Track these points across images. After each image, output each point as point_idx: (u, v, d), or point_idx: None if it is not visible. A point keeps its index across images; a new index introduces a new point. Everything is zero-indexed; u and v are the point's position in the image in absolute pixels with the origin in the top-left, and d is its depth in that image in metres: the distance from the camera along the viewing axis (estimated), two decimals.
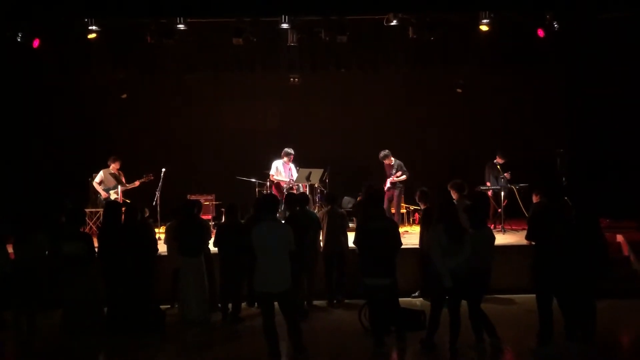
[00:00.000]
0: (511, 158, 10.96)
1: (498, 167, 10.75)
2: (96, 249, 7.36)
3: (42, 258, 7.20)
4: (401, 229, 10.38)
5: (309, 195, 9.99)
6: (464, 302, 6.31)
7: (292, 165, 10.90)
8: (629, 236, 9.40)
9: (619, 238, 9.40)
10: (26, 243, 7.14)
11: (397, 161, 10.75)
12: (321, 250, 8.37)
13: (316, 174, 10.61)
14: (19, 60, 10.85)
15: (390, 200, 10.63)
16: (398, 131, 12.55)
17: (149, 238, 7.73)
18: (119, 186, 10.48)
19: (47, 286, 7.29)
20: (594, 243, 6.46)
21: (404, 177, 10.66)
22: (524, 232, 7.00)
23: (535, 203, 8.16)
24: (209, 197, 11.43)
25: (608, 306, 7.15)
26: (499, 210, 10.56)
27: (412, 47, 10.99)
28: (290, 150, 10.82)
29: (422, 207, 8.44)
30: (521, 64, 11.62)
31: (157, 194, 10.54)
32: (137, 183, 10.64)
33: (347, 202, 11.57)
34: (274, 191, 10.69)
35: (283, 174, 10.82)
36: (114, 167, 10.57)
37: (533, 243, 6.65)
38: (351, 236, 8.41)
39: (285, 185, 10.75)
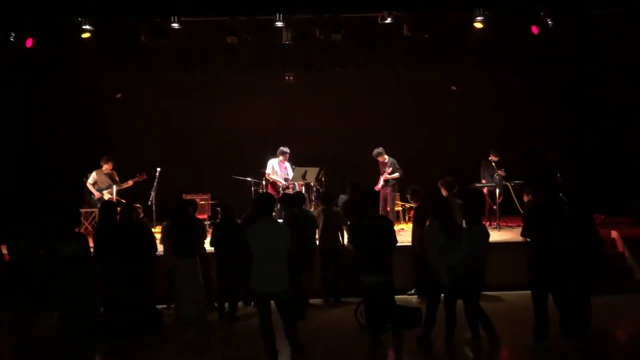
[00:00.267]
0: (506, 155, 10.99)
1: (493, 164, 10.78)
2: (92, 249, 7.35)
3: (37, 259, 7.18)
4: (396, 227, 10.41)
5: (305, 194, 9.99)
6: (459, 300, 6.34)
7: (287, 164, 10.90)
8: (624, 232, 9.45)
9: (614, 234, 9.45)
10: (21, 244, 7.12)
11: (391, 159, 10.77)
12: (317, 249, 8.37)
13: (312, 172, 10.62)
14: (12, 60, 10.80)
15: (385, 199, 10.64)
16: (393, 129, 12.56)
17: (146, 237, 7.71)
18: (114, 186, 10.46)
19: (44, 287, 7.27)
20: (588, 239, 6.49)
21: (396, 174, 10.68)
22: (519, 229, 7.03)
23: (530, 200, 8.20)
24: (205, 197, 11.43)
25: (603, 302, 7.18)
26: (494, 207, 10.60)
27: (407, 45, 11.00)
28: (286, 149, 10.83)
29: (414, 205, 8.45)
30: (515, 61, 11.66)
31: (152, 193, 10.52)
32: (130, 183, 10.63)
33: (342, 200, 11.59)
34: (270, 190, 10.69)
35: (279, 172, 10.81)
36: (106, 167, 10.55)
37: (528, 240, 6.68)
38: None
39: (281, 184, 10.75)
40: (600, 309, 6.86)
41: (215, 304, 7.86)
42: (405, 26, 10.38)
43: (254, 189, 11.08)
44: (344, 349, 6.55)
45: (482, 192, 10.94)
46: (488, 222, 10.42)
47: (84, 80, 12.00)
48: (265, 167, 10.88)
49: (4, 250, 7.36)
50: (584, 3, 9.95)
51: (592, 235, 6.57)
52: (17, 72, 11.27)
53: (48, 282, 7.26)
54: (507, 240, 9.27)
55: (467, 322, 6.46)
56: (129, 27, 10.52)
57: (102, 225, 7.63)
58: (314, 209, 9.68)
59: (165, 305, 8.00)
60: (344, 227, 8.52)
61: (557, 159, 11.24)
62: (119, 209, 7.95)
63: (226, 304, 7.70)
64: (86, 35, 10.16)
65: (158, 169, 10.65)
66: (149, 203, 10.37)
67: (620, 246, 9.21)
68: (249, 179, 11.12)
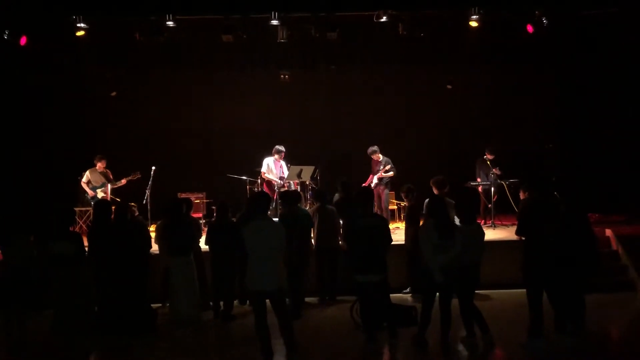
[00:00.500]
0: (501, 154, 11.02)
1: (488, 163, 10.80)
2: (86, 248, 7.32)
3: (30, 259, 7.14)
4: (391, 226, 10.44)
5: (300, 193, 9.98)
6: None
7: (283, 163, 10.89)
8: (618, 230, 9.48)
9: (608, 232, 9.48)
10: (14, 244, 7.08)
11: (385, 158, 10.77)
12: (313, 247, 8.37)
13: (307, 171, 10.61)
14: (5, 58, 10.75)
15: (379, 197, 10.65)
16: (388, 128, 12.58)
17: (140, 236, 7.69)
18: (108, 185, 10.44)
19: (37, 287, 7.24)
20: (583, 237, 6.51)
21: (391, 173, 10.69)
22: (514, 228, 7.04)
23: (525, 198, 8.21)
24: (200, 195, 11.43)
25: (597, 300, 7.21)
26: (489, 205, 10.63)
27: (402, 43, 11.01)
28: (281, 148, 10.82)
29: (408, 204, 8.45)
30: (510, 60, 11.69)
31: (147, 192, 10.50)
32: (123, 181, 10.60)
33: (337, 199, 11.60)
34: (265, 189, 10.68)
35: (274, 171, 10.81)
36: (100, 165, 10.53)
37: (523, 238, 6.69)
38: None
39: (276, 183, 10.75)
40: (595, 307, 6.89)
41: (211, 303, 7.85)
42: (400, 25, 10.39)
43: (249, 188, 11.07)
44: (339, 347, 6.54)
45: (477, 190, 10.95)
46: (483, 221, 10.45)
47: (78, 79, 11.98)
48: (260, 165, 10.87)
49: None
50: (579, 3, 9.98)
51: (587, 234, 6.58)
52: (10, 70, 11.22)
53: (42, 282, 7.23)
54: (502, 239, 9.29)
55: (462, 320, 6.47)
56: (124, 25, 10.49)
57: (96, 224, 7.61)
58: (309, 208, 9.67)
59: (160, 305, 7.98)
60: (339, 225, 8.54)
61: (552, 157, 11.28)
62: (113, 207, 7.92)
63: (221, 303, 7.69)
64: (81, 33, 10.13)
65: (153, 168, 10.63)
66: (144, 202, 10.35)
67: (614, 244, 9.24)
68: (244, 177, 11.11)
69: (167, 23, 10.11)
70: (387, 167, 10.63)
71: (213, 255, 7.74)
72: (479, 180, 10.99)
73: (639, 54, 10.84)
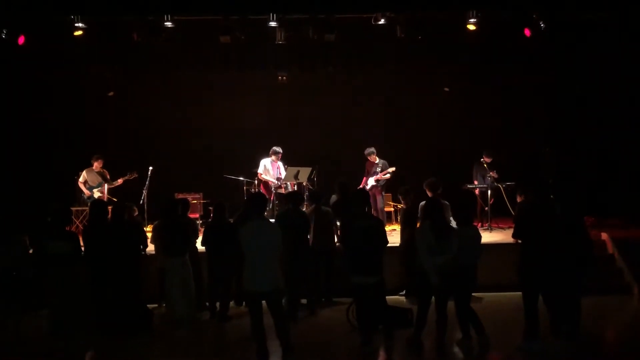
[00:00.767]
0: (498, 157, 11.04)
1: (485, 165, 10.82)
2: (82, 248, 7.31)
3: (26, 258, 7.12)
4: (388, 228, 10.44)
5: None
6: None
7: (280, 164, 10.90)
8: (614, 234, 9.51)
9: (604, 236, 9.50)
10: (9, 244, 7.06)
11: (382, 160, 10.79)
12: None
13: (304, 172, 10.62)
14: (3, 58, 10.73)
15: (374, 199, 10.65)
16: (386, 129, 12.60)
17: (136, 236, 7.69)
18: (105, 184, 10.43)
19: (33, 286, 7.22)
20: (579, 241, 6.52)
21: (388, 175, 10.70)
22: (511, 230, 7.04)
23: (522, 201, 8.23)
24: (197, 196, 11.42)
25: (593, 303, 7.23)
26: (486, 208, 10.65)
27: (400, 46, 11.03)
28: (279, 149, 10.82)
29: (405, 205, 8.46)
30: (508, 62, 11.72)
31: (144, 192, 10.50)
32: (120, 181, 10.60)
33: (335, 200, 11.59)
34: (262, 190, 10.69)
35: (271, 172, 10.81)
36: (97, 165, 10.52)
37: (519, 241, 6.71)
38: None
39: (273, 184, 10.75)
40: (590, 310, 6.92)
41: (207, 304, 7.84)
42: (398, 27, 10.40)
43: (246, 189, 11.07)
44: (335, 349, 6.55)
45: (474, 193, 10.97)
46: (480, 224, 10.46)
47: (76, 78, 11.95)
48: (257, 166, 10.87)
49: None
50: (576, 6, 10.02)
51: (583, 237, 6.60)
52: (8, 69, 11.19)
53: (37, 282, 7.21)
54: (498, 242, 9.31)
55: (458, 322, 6.48)
56: (121, 25, 10.48)
57: (92, 224, 7.60)
58: (305, 209, 9.67)
59: (156, 305, 7.97)
60: (335, 227, 8.54)
61: (549, 160, 11.29)
62: (109, 207, 7.91)
63: (217, 304, 7.69)
64: (79, 33, 10.12)
65: (150, 168, 10.62)
66: (141, 202, 10.34)
67: (610, 248, 9.27)
68: (241, 178, 11.11)
69: (165, 23, 10.11)
70: (390, 170, 10.61)
71: (209, 255, 7.74)
72: (475, 182, 11.00)
73: (636, 57, 10.89)
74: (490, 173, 10.69)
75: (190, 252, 7.66)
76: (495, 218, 10.74)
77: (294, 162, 10.94)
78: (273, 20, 10.16)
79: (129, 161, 11.16)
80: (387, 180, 10.76)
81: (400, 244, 8.34)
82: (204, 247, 7.82)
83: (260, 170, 10.82)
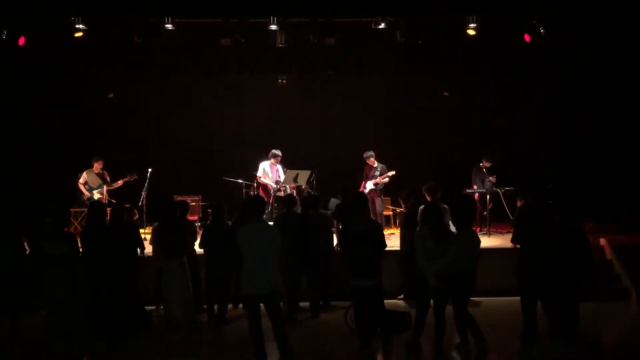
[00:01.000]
0: (497, 161, 11.05)
1: (484, 170, 10.83)
2: (80, 249, 7.30)
3: (23, 259, 7.12)
4: (387, 231, 10.45)
5: (297, 197, 9.98)
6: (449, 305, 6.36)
7: (279, 167, 10.90)
8: (612, 239, 9.51)
9: (602, 241, 9.51)
10: (6, 244, 7.05)
11: (381, 164, 10.80)
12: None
13: (303, 175, 10.62)
14: (3, 58, 10.74)
15: (373, 202, 10.65)
16: (385, 133, 12.61)
17: (134, 238, 7.69)
18: (104, 186, 10.42)
19: (31, 287, 7.21)
20: (577, 246, 6.53)
21: (386, 179, 10.72)
22: (509, 235, 7.07)
23: (521, 206, 8.24)
24: (196, 198, 11.42)
25: (591, 308, 7.23)
26: (485, 213, 10.65)
27: (400, 50, 11.05)
28: (278, 152, 10.82)
29: (404, 209, 8.46)
30: (507, 67, 11.75)
31: (143, 194, 10.49)
32: (120, 182, 10.59)
33: (334, 203, 11.58)
34: (261, 193, 10.69)
35: (270, 175, 10.81)
36: (97, 166, 10.52)
37: (518, 246, 6.71)
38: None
39: (272, 187, 10.75)
40: (589, 315, 6.92)
41: (205, 306, 7.83)
42: (398, 32, 10.43)
43: (245, 192, 11.07)
44: (333, 352, 6.54)
45: (473, 197, 10.98)
46: (478, 228, 10.46)
47: (76, 79, 11.97)
48: (256, 169, 10.88)
49: None
50: (575, 12, 10.05)
51: (581, 242, 6.61)
52: (8, 70, 11.20)
53: (35, 282, 7.20)
54: (497, 247, 9.31)
55: (456, 326, 6.48)
56: (122, 27, 10.49)
57: (90, 226, 7.59)
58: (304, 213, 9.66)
59: (154, 307, 7.96)
60: (335, 230, 8.54)
61: (548, 165, 11.31)
62: (108, 209, 7.91)
63: (215, 306, 7.68)
64: (79, 34, 10.13)
65: (149, 170, 10.62)
66: (140, 203, 10.33)
67: (608, 253, 9.27)
68: (240, 181, 11.11)
69: (166, 26, 10.13)
70: (390, 173, 10.62)
71: (207, 257, 7.74)
72: (474, 187, 11.01)
73: (636, 62, 10.92)
74: (490, 178, 10.71)
75: (188, 254, 7.65)
76: (494, 223, 10.74)
77: (293, 164, 10.95)
78: (273, 24, 10.18)
79: (128, 163, 11.15)
80: (386, 183, 10.77)
81: (401, 248, 8.33)
82: (202, 249, 7.82)
83: (259, 173, 10.83)
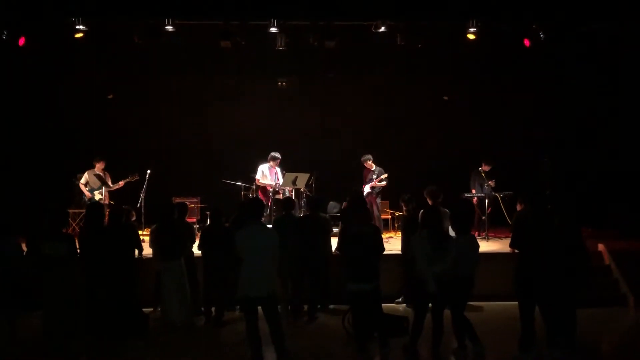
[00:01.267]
0: (496, 166, 11.05)
1: (483, 174, 10.83)
2: (78, 250, 7.29)
3: (21, 260, 7.09)
4: (385, 235, 10.45)
5: (295, 200, 9.98)
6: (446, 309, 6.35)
7: (278, 170, 10.90)
8: (610, 245, 9.51)
9: (600, 247, 9.51)
10: (4, 245, 7.03)
11: (378, 168, 10.80)
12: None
13: (302, 178, 10.62)
14: (3, 59, 10.73)
15: (370, 206, 10.63)
16: (384, 137, 12.61)
17: (133, 239, 7.67)
18: (104, 187, 10.41)
19: (28, 288, 7.19)
20: (576, 251, 6.53)
21: (384, 183, 10.72)
22: (508, 240, 7.05)
23: (519, 211, 8.24)
24: (194, 200, 11.40)
25: (589, 314, 7.23)
26: (483, 217, 10.64)
27: (400, 54, 11.06)
28: (277, 155, 10.82)
29: (405, 213, 8.46)
30: (507, 72, 11.76)
31: (142, 195, 10.48)
32: (121, 183, 10.58)
33: (333, 206, 11.61)
34: (260, 195, 10.68)
35: (269, 178, 10.80)
36: (98, 167, 10.51)
37: (516, 251, 6.71)
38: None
39: (271, 189, 10.74)
40: (586, 321, 6.90)
41: (202, 308, 7.82)
42: (398, 35, 10.44)
43: (244, 194, 11.06)
44: (330, 355, 6.54)
45: (472, 202, 10.97)
46: (477, 233, 10.46)
47: (76, 80, 11.95)
48: (255, 172, 10.87)
49: None
50: (575, 18, 10.08)
51: (579, 248, 6.61)
52: (7, 71, 11.20)
53: (32, 283, 7.18)
54: (496, 251, 9.31)
55: (453, 331, 6.47)
56: (122, 28, 10.49)
57: (87, 227, 7.58)
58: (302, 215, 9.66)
59: (152, 309, 7.95)
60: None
61: (547, 171, 11.31)
62: (107, 210, 7.89)
63: (213, 308, 7.67)
64: (79, 35, 10.13)
65: (148, 171, 10.61)
66: (138, 205, 10.33)
67: (606, 259, 9.27)
68: (239, 183, 11.11)
69: (166, 27, 10.13)
70: (383, 177, 10.64)
71: (205, 260, 7.73)
72: (473, 191, 11.01)
73: (635, 68, 10.94)
74: (489, 182, 10.70)
75: (186, 256, 7.64)
76: (493, 227, 10.74)
77: (293, 167, 10.95)
78: (274, 26, 10.20)
79: (127, 164, 11.13)
80: (384, 187, 10.77)
81: (402, 251, 8.32)
82: (200, 252, 7.81)
83: (257, 176, 10.82)
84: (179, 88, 12.60)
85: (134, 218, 8.69)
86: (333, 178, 11.67)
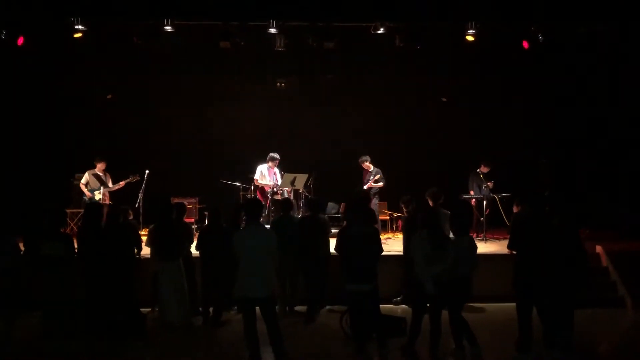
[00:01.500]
0: (495, 167, 11.06)
1: (481, 176, 10.84)
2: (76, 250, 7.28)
3: (19, 259, 7.09)
4: (384, 236, 10.44)
5: (294, 201, 9.99)
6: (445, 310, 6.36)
7: (277, 170, 10.90)
8: (608, 246, 9.52)
9: (598, 248, 9.52)
10: (2, 245, 7.03)
11: (376, 168, 10.80)
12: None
13: (301, 179, 10.62)
14: (1, 58, 10.72)
15: None
16: (383, 138, 12.61)
17: (131, 240, 7.67)
18: (102, 187, 10.41)
19: (26, 287, 7.19)
20: (574, 253, 6.53)
21: (380, 184, 10.72)
22: (506, 241, 7.07)
23: (517, 212, 8.24)
24: (193, 200, 11.39)
25: (586, 315, 7.25)
26: (482, 219, 10.64)
27: (399, 55, 11.07)
28: (276, 155, 10.82)
29: (406, 214, 8.47)
30: (506, 74, 11.77)
31: (140, 195, 10.48)
32: (122, 184, 10.58)
33: (331, 207, 11.61)
34: (258, 196, 10.68)
35: (267, 178, 10.81)
36: (99, 167, 10.50)
37: (514, 252, 6.72)
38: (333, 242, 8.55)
39: (269, 190, 10.75)
40: (584, 322, 6.92)
41: (200, 309, 7.82)
42: (397, 36, 10.45)
43: (243, 194, 11.06)
44: (328, 356, 6.54)
45: (470, 203, 10.99)
46: (475, 234, 10.46)
47: (74, 80, 11.95)
48: (254, 172, 10.87)
49: None
50: (575, 19, 10.09)
51: (578, 249, 6.61)
52: (6, 70, 11.19)
53: (31, 283, 7.18)
54: (494, 252, 9.31)
55: (451, 332, 6.48)
56: (122, 28, 10.49)
57: (86, 227, 7.58)
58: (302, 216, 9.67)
59: (149, 309, 7.95)
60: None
61: (545, 172, 11.32)
62: (106, 210, 7.89)
63: (211, 309, 7.67)
64: (78, 35, 10.12)
65: (146, 171, 10.60)
66: (137, 205, 10.32)
67: (604, 260, 9.28)
68: (237, 183, 11.11)
69: (166, 28, 10.13)
70: (377, 177, 10.67)
71: (204, 260, 7.73)
72: (471, 192, 11.02)
73: (634, 70, 10.95)
74: (487, 183, 10.71)
75: (184, 256, 7.64)
76: (491, 229, 10.74)
77: (291, 168, 10.95)
78: (273, 27, 10.20)
79: (126, 164, 11.14)
80: (382, 188, 10.77)
81: (404, 252, 8.33)
82: (198, 252, 7.81)
83: (256, 176, 10.81)
84: (178, 88, 12.60)
85: (132, 217, 8.69)
86: (332, 179, 11.67)
